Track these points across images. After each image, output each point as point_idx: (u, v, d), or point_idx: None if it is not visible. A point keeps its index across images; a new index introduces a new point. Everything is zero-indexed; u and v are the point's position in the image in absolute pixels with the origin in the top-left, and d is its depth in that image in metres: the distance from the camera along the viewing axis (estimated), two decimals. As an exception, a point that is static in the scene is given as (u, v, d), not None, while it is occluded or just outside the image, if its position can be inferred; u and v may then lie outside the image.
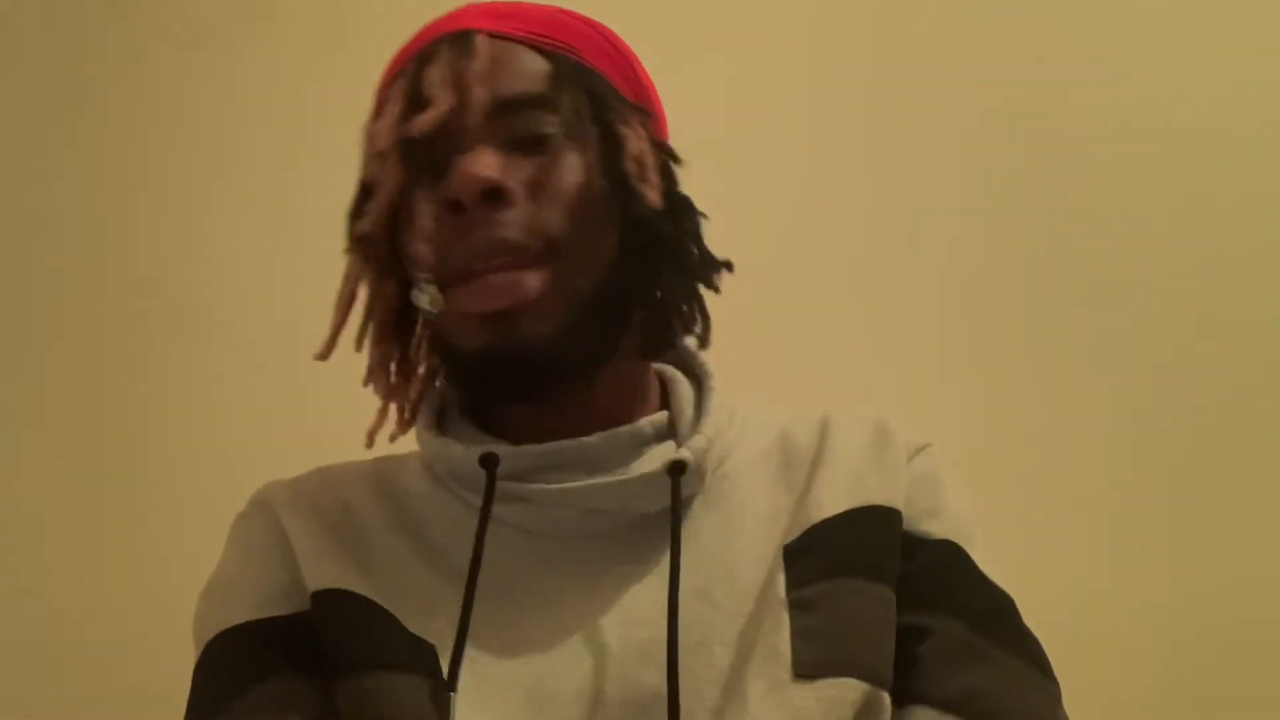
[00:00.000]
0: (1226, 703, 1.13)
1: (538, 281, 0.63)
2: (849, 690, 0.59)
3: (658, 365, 0.76)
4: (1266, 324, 1.24)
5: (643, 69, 0.74)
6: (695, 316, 0.74)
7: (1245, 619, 1.16)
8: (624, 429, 0.67)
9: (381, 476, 0.73)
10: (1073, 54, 1.29)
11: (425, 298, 0.65)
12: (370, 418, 0.75)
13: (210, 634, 0.66)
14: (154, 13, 1.33)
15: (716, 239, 0.73)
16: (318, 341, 0.70)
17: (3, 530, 1.20)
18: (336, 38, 1.32)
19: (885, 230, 1.27)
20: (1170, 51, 1.30)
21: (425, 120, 0.64)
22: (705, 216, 0.72)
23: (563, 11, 0.72)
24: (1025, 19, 1.31)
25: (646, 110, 0.72)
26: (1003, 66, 1.29)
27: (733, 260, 0.72)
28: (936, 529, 0.68)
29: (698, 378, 0.74)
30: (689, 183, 0.73)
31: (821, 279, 1.21)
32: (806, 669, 0.60)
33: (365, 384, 0.74)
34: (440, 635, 0.63)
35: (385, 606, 0.64)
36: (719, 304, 0.73)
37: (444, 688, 0.60)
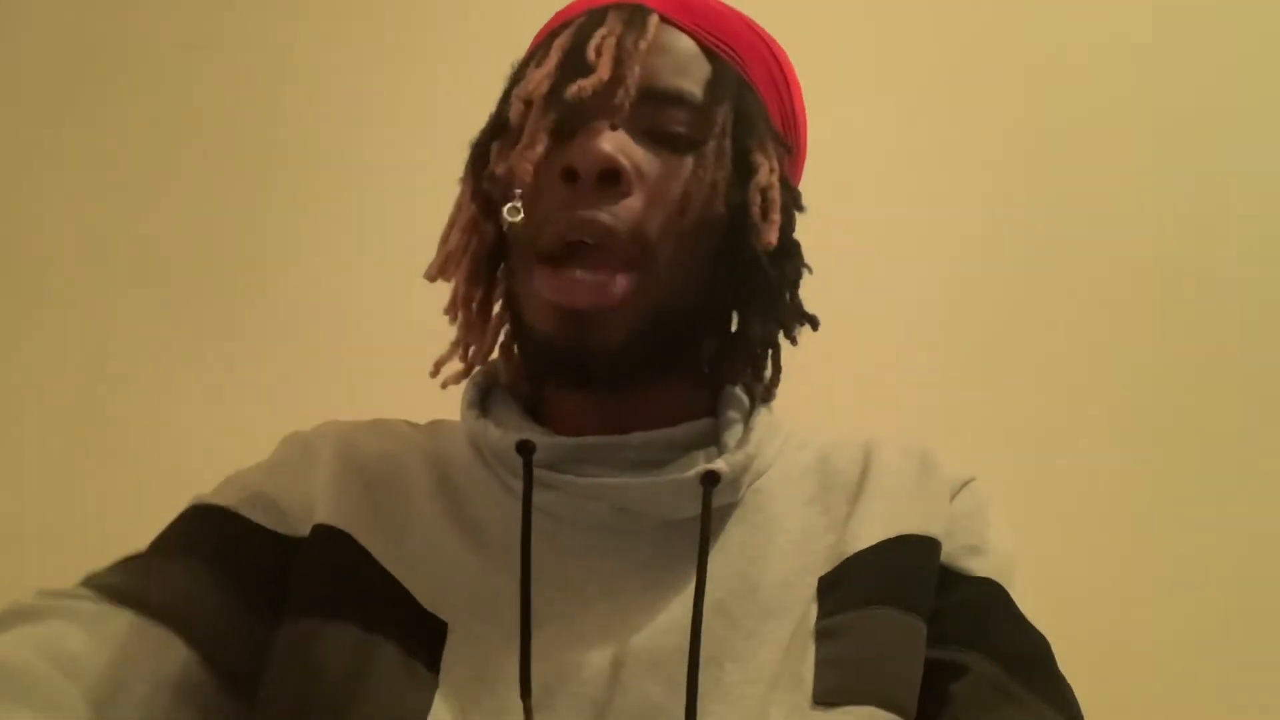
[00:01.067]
0: (1228, 703, 1.14)
1: (624, 288, 0.62)
2: (868, 719, 0.59)
3: None
4: (1267, 322, 1.24)
5: (801, 101, 0.73)
6: (767, 364, 0.73)
7: (1246, 618, 1.17)
8: (663, 432, 0.67)
9: (434, 441, 0.72)
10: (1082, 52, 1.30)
11: (513, 206, 0.63)
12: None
13: (193, 503, 0.67)
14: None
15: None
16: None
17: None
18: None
19: (885, 224, 1.27)
20: (1171, 48, 1.30)
21: (583, 86, 0.63)
22: (810, 269, 0.71)
23: (742, 18, 0.71)
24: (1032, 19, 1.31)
25: (788, 145, 0.70)
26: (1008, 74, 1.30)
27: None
28: (978, 567, 0.67)
29: (751, 390, 0.73)
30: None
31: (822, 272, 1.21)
32: (826, 696, 0.59)
33: (447, 313, 0.74)
34: (455, 612, 0.62)
35: (398, 576, 0.63)
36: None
37: (430, 668, 0.59)
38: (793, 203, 0.70)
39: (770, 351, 0.73)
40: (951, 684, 0.62)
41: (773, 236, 0.65)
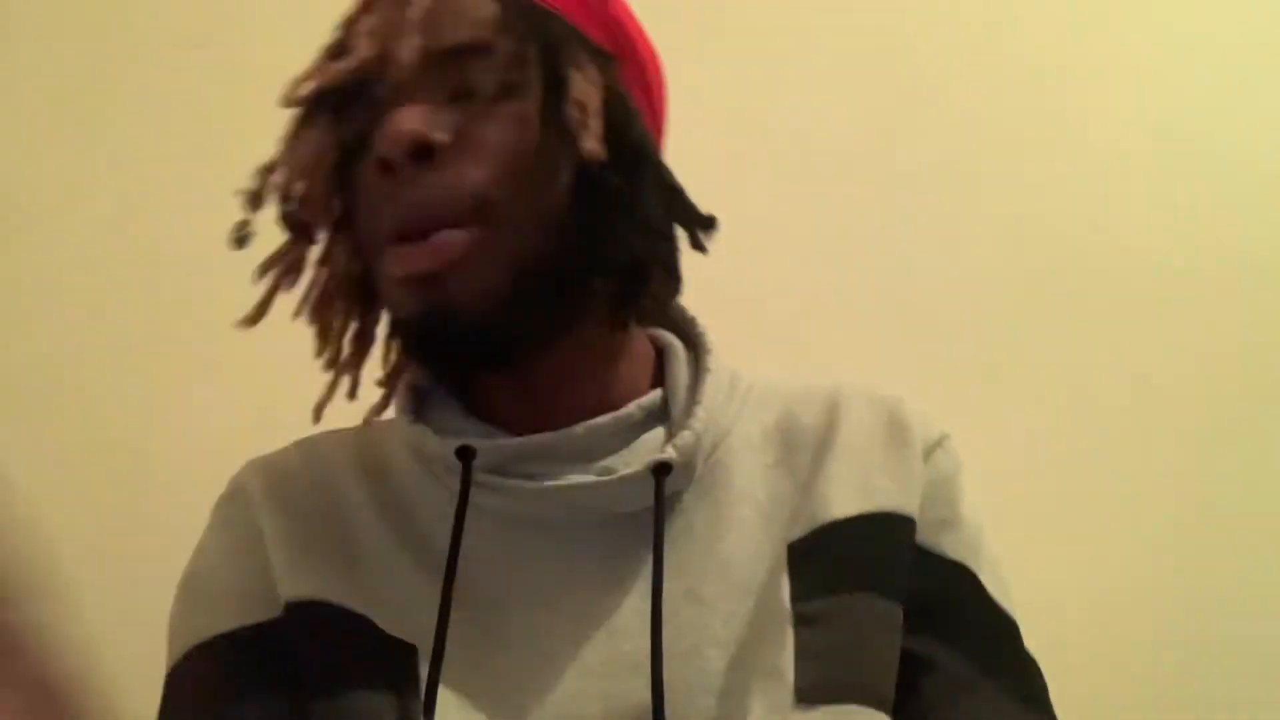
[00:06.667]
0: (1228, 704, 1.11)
1: (464, 241, 0.57)
2: (852, 718, 0.57)
3: (653, 331, 0.70)
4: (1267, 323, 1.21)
5: (629, 13, 0.67)
6: (664, 278, 0.67)
7: (1250, 618, 1.13)
8: (608, 417, 0.63)
9: (366, 451, 0.68)
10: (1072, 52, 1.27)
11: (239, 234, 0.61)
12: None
13: (187, 644, 0.64)
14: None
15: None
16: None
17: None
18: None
19: (892, 214, 1.22)
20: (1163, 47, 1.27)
21: (334, 71, 0.59)
22: (673, 180, 0.66)
23: None
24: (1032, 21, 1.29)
25: (611, 54, 0.64)
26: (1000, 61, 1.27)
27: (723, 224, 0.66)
28: (949, 545, 0.65)
29: (696, 348, 0.69)
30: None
31: (827, 261, 1.17)
32: (809, 694, 0.57)
33: (318, 355, 0.68)
34: (420, 635, 0.60)
35: (359, 610, 0.61)
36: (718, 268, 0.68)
37: (420, 705, 0.57)
38: (621, 107, 0.63)
39: (661, 267, 0.66)
40: (920, 677, 0.61)
41: (592, 144, 0.58)
